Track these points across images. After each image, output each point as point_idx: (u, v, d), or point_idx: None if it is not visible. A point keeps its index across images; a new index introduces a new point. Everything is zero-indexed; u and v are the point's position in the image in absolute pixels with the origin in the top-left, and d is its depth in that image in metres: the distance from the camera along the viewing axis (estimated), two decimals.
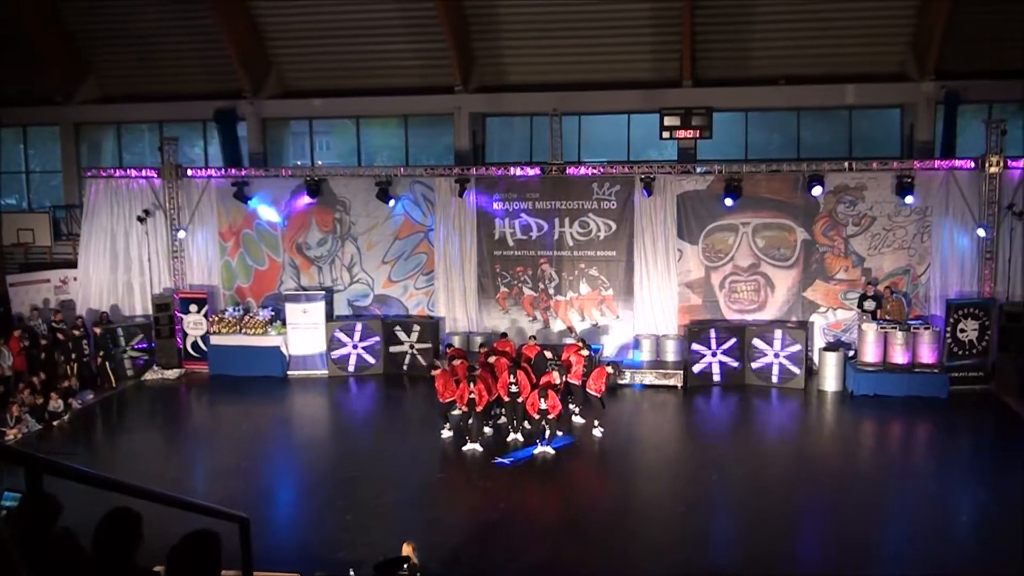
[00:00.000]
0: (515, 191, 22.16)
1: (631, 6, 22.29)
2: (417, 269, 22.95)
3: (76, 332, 20.99)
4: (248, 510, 6.02)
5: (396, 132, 25.40)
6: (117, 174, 23.41)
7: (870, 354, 19.63)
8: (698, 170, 21.46)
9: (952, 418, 18.20)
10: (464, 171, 22.19)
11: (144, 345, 22.30)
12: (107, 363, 21.25)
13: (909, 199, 20.26)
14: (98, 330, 21.36)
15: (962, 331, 19.78)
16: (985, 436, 17.39)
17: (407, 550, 10.44)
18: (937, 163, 20.56)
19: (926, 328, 19.55)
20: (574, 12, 22.46)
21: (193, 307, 22.31)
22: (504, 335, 20.39)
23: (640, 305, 21.94)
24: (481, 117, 24.44)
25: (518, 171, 21.99)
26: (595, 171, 21.85)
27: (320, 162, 25.55)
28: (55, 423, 18.28)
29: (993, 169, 19.81)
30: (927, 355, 19.43)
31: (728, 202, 20.82)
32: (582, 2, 22.31)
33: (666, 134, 21.78)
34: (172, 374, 22.14)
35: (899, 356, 19.45)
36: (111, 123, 26.12)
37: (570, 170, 21.76)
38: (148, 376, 22.04)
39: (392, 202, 22.28)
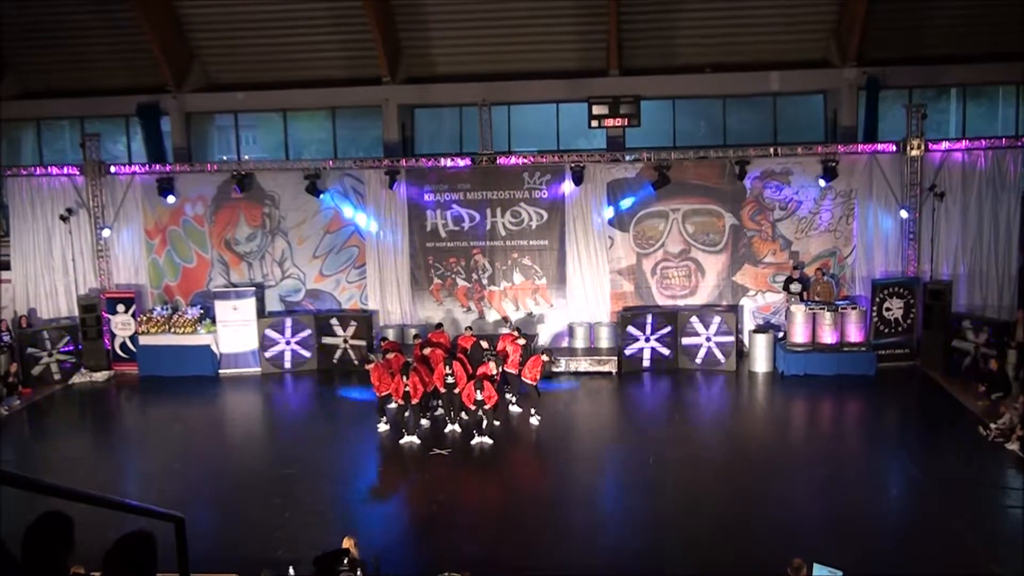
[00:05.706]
0: (446, 182, 22.08)
1: None
2: (349, 263, 22.77)
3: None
4: (183, 511, 5.90)
5: (324, 125, 25.14)
6: (38, 172, 22.84)
7: (799, 335, 20.00)
8: (627, 158, 21.61)
9: (880, 395, 18.64)
10: (394, 163, 22.05)
11: (71, 347, 21.80)
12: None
13: (833, 183, 20.66)
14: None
15: (888, 310, 20.24)
16: (913, 411, 17.82)
17: (347, 543, 10.38)
18: (860, 147, 20.99)
19: (853, 308, 19.96)
20: (500, 1, 22.42)
21: (120, 307, 21.87)
22: (439, 326, 20.33)
23: (573, 293, 22.06)
24: (410, 109, 24.29)
25: (448, 162, 21.93)
26: (525, 161, 21.87)
27: (247, 156, 25.16)
28: None
29: (914, 152, 20.30)
30: (854, 334, 19.86)
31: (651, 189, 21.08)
32: None
33: (595, 123, 22.01)
34: (101, 376, 21.67)
35: (827, 336, 19.86)
36: (30, 119, 25.39)
37: (500, 160, 21.76)
38: (76, 379, 21.56)
39: (321, 196, 22.01)
